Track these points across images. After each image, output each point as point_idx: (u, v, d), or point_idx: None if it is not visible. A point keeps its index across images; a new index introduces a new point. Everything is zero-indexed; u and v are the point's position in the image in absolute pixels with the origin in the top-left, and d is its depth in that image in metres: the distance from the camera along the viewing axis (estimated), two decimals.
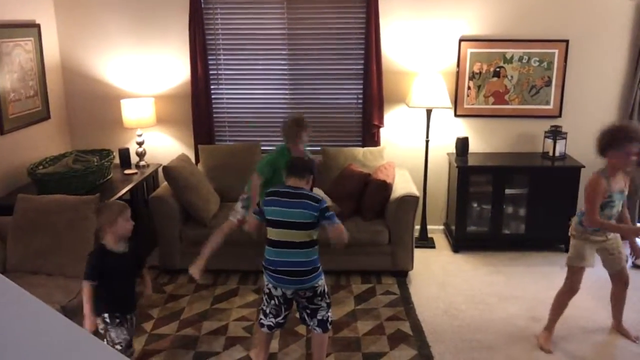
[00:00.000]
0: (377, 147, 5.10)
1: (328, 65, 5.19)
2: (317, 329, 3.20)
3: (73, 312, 3.36)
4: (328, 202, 3.66)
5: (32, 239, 3.71)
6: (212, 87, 5.22)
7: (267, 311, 3.23)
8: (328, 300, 3.21)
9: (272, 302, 3.19)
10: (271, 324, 3.23)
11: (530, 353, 3.54)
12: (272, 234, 3.11)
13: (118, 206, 3.13)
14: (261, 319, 3.27)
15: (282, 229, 3.06)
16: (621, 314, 3.75)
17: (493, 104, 5.19)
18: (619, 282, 3.65)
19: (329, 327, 3.23)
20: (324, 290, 3.17)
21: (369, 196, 4.56)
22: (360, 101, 5.21)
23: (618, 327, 3.76)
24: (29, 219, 3.76)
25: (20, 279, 3.47)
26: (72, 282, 3.52)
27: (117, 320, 3.01)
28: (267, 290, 3.21)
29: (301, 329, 3.80)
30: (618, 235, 3.56)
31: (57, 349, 0.84)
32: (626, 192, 3.50)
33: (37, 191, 4.23)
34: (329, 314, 3.21)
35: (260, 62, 5.22)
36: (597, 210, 3.36)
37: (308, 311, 3.20)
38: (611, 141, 3.34)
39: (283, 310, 3.21)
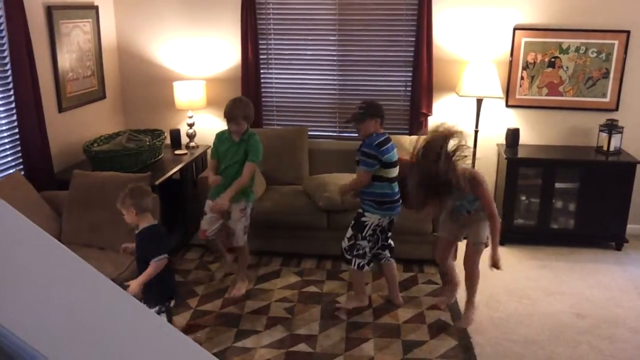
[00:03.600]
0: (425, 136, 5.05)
1: (377, 52, 5.17)
2: (391, 259, 3.91)
3: (123, 286, 3.49)
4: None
5: (86, 213, 3.85)
6: (261, 71, 5.28)
7: (367, 250, 3.75)
8: None
9: (375, 236, 3.75)
10: (370, 258, 3.80)
11: (574, 350, 3.47)
12: (392, 173, 3.67)
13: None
14: (361, 262, 3.76)
15: (396, 167, 3.68)
16: None
17: (547, 95, 5.06)
18: None
19: None
20: None
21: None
22: (409, 89, 5.17)
23: None
24: (84, 194, 3.91)
25: (74, 251, 3.60)
26: (122, 256, 3.66)
27: None
28: (375, 228, 3.71)
29: (342, 313, 3.84)
30: None
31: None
32: None
33: (91, 168, 4.38)
34: None
35: (310, 47, 5.24)
36: None
37: (385, 243, 3.85)
38: None
39: (380, 241, 3.81)
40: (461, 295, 4.00)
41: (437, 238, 4.03)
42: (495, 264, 3.47)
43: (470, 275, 3.69)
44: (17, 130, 4.03)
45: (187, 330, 3.61)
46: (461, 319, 3.75)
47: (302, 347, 3.47)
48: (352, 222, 3.76)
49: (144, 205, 3.17)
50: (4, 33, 3.87)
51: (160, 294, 3.23)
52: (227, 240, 4.14)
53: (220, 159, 4.01)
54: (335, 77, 5.28)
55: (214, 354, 3.16)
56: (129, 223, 3.22)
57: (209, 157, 4.56)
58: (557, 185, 4.84)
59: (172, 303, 3.35)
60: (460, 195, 3.48)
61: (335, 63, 5.24)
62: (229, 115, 3.90)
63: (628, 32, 4.82)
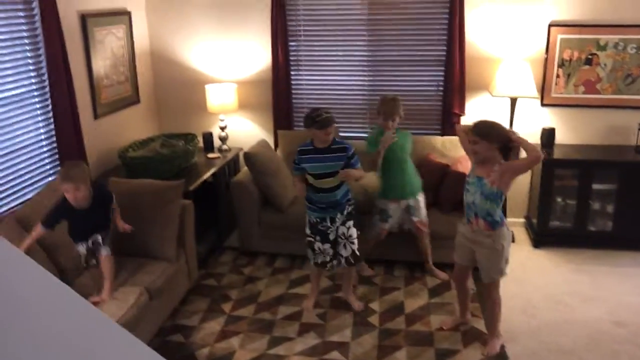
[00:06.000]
0: (457, 137, 4.98)
1: (408, 51, 5.11)
2: (343, 264, 3.96)
3: (157, 293, 3.56)
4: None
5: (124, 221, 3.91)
6: (292, 73, 5.28)
7: (314, 247, 3.95)
8: None
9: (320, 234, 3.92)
10: (326, 257, 3.94)
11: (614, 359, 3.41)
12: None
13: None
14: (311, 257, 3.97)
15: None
16: None
17: (583, 93, 4.93)
18: None
19: None
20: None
21: (447, 188, 4.48)
22: (440, 88, 5.11)
23: None
24: (120, 202, 3.97)
25: (117, 260, 3.67)
26: (157, 264, 3.72)
27: None
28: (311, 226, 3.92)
29: (374, 319, 3.85)
30: None
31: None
32: None
33: (126, 173, 4.46)
34: None
35: (340, 48, 5.21)
36: None
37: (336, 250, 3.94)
38: None
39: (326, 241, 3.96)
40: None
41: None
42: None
43: (491, 309, 3.53)
44: (54, 139, 4.12)
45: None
46: (486, 347, 3.53)
47: (335, 355, 3.48)
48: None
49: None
50: (41, 44, 3.96)
51: None
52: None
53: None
54: (366, 78, 5.25)
55: None
56: (83, 199, 3.31)
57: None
58: (595, 186, 4.72)
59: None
60: (475, 188, 3.30)
61: (365, 63, 5.21)
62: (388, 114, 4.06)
63: None
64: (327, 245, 3.85)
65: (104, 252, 3.43)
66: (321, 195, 3.74)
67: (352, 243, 3.87)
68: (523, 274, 4.44)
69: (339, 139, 3.86)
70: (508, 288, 4.22)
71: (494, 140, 3.22)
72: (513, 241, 4.92)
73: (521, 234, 5.14)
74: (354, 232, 3.88)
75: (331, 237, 3.84)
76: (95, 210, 3.42)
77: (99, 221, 3.49)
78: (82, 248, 3.47)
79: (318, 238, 3.85)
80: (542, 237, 4.88)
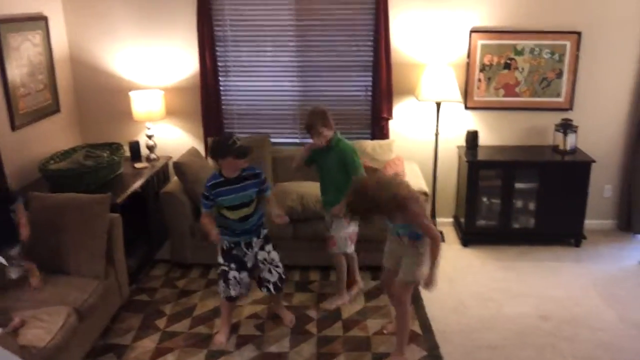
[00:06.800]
0: (387, 140, 5.09)
1: (337, 57, 5.15)
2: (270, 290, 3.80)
3: (87, 312, 3.41)
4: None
5: (48, 237, 3.72)
6: (220, 79, 5.20)
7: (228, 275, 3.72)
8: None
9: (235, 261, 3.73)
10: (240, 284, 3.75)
11: (540, 353, 3.58)
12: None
13: None
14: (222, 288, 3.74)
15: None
16: None
17: (503, 96, 5.15)
18: None
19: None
20: None
21: None
22: (369, 93, 5.19)
23: None
24: (44, 218, 3.78)
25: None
26: (85, 281, 3.57)
27: None
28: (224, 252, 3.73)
29: (312, 327, 3.86)
30: None
31: None
32: None
33: (48, 186, 4.26)
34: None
35: (269, 53, 5.18)
36: None
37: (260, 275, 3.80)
38: None
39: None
40: (430, 309, 4.08)
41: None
42: (427, 285, 3.24)
43: (400, 316, 3.43)
44: None
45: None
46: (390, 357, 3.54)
47: None
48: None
49: None
50: None
51: None
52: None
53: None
54: (296, 83, 5.25)
55: None
56: None
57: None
58: (517, 185, 4.95)
59: None
60: (396, 231, 3.35)
61: (295, 69, 5.21)
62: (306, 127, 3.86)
63: (579, 33, 4.94)
64: (245, 274, 3.64)
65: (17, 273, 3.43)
66: (237, 225, 3.56)
67: (277, 267, 3.71)
68: (453, 273, 4.59)
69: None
70: (440, 288, 4.33)
71: (366, 213, 3.20)
72: (443, 241, 5.07)
73: (450, 233, 5.31)
74: (275, 255, 3.72)
75: (249, 264, 3.66)
76: None
77: None
78: None
79: (233, 266, 3.61)
80: (470, 236, 5.06)
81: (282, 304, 4.01)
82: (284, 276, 3.77)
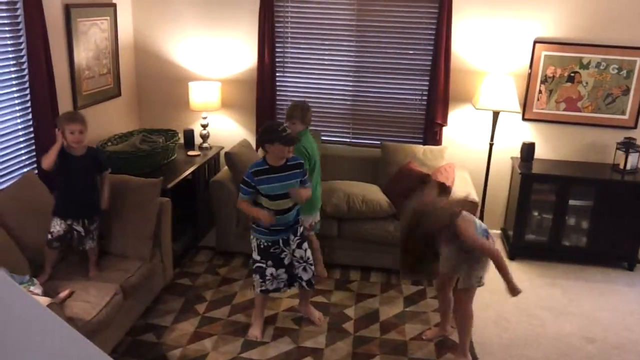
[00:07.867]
0: (439, 147, 5.02)
1: (395, 60, 5.12)
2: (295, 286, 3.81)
3: (131, 291, 3.50)
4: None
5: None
6: (277, 74, 5.25)
7: (266, 272, 3.71)
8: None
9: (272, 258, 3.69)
10: (279, 282, 3.72)
11: None
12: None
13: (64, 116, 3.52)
14: (260, 283, 3.71)
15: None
16: None
17: (564, 110, 5.00)
18: None
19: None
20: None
21: None
22: (424, 98, 5.13)
23: None
24: None
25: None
26: (132, 262, 3.67)
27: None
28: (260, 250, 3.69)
29: (349, 326, 3.84)
30: None
31: None
32: None
33: None
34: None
35: (327, 52, 5.20)
36: None
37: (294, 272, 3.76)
38: None
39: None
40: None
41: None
42: (512, 293, 3.26)
43: (461, 321, 3.47)
44: (32, 129, 4.04)
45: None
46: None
47: None
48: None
49: None
50: (22, 32, 3.87)
51: None
52: None
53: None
54: (351, 83, 5.25)
55: None
56: (83, 143, 3.48)
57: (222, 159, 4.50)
58: (571, 202, 4.79)
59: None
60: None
61: (351, 69, 5.21)
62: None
63: None
64: (282, 270, 3.60)
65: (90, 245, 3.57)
66: (277, 218, 3.47)
67: (311, 265, 3.69)
68: (498, 286, 4.43)
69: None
70: (482, 299, 4.25)
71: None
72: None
73: (497, 246, 5.16)
74: (310, 253, 3.70)
75: (286, 261, 3.61)
76: (87, 165, 3.51)
77: (88, 181, 3.54)
78: (60, 228, 3.46)
79: (270, 263, 3.57)
80: (517, 250, 4.93)
81: (309, 302, 3.96)
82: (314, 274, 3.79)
